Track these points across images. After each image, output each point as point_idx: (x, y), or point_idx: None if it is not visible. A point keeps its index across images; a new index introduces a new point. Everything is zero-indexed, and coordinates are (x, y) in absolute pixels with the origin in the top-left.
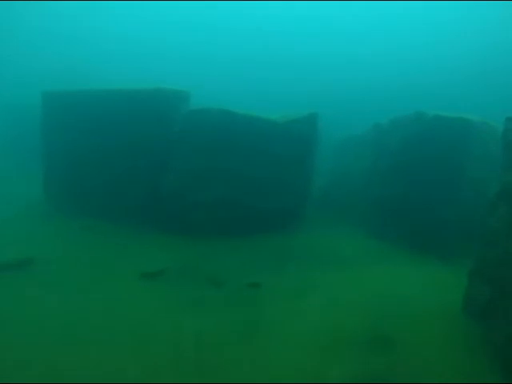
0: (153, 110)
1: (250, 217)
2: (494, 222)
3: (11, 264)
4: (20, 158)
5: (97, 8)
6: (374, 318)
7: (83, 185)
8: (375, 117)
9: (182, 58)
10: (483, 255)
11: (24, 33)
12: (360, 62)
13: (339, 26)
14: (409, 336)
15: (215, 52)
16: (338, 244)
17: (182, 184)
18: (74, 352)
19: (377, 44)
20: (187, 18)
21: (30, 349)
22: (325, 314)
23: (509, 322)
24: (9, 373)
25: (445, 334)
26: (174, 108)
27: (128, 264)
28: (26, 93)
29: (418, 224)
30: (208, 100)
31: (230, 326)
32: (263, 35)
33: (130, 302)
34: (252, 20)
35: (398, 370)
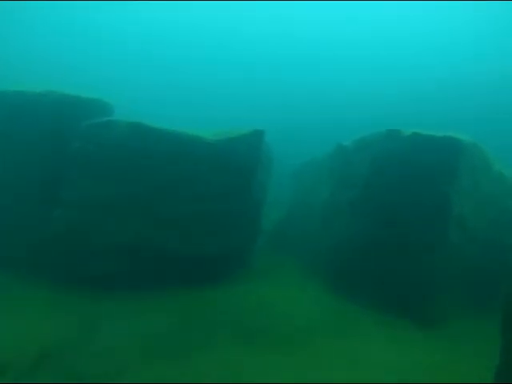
0: (44, 120)
1: (170, 265)
2: None
3: None
4: None
5: None
6: None
7: None
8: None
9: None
10: None
11: None
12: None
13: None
14: None
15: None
16: (286, 306)
17: (74, 221)
18: None
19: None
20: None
21: None
22: None
23: None
24: None
25: None
26: (71, 120)
27: None
28: None
29: (391, 276)
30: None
31: None
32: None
33: None
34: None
35: None
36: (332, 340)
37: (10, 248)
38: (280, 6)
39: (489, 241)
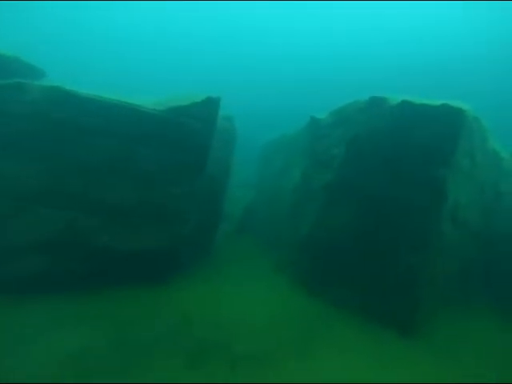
0: None
1: (107, 263)
2: None
3: None
4: None
5: None
6: None
7: None
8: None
9: None
10: None
11: None
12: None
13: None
14: None
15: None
16: (248, 311)
17: None
18: None
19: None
20: None
21: None
22: None
23: None
24: None
25: None
26: None
27: None
28: None
29: (372, 275)
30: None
31: None
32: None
33: None
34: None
35: None
36: (302, 360)
37: None
38: None
39: (481, 229)
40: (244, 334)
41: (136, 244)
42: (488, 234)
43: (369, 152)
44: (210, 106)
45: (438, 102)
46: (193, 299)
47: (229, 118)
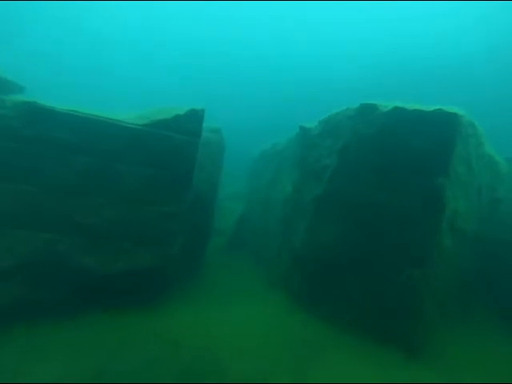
0: None
1: (88, 287)
2: None
3: None
4: None
5: None
6: None
7: None
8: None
9: None
10: None
11: None
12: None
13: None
14: None
15: None
16: (236, 329)
17: None
18: None
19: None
20: None
21: None
22: None
23: None
24: None
25: None
26: None
27: None
28: None
29: (370, 293)
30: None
31: None
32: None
33: None
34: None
35: None
36: (297, 382)
37: None
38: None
39: (478, 237)
40: (235, 357)
41: (121, 266)
42: (486, 242)
43: (360, 162)
44: (194, 118)
45: (432, 108)
46: (182, 322)
47: (216, 130)
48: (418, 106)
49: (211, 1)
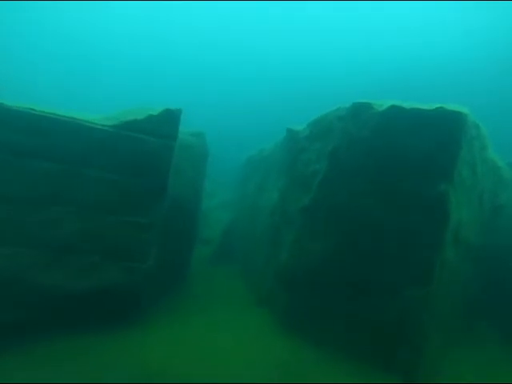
0: None
1: (53, 305)
2: None
3: None
4: None
5: None
6: None
7: None
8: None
9: None
10: None
11: None
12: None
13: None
14: None
15: None
16: (218, 354)
17: None
18: None
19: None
20: None
21: None
22: None
23: None
24: None
25: None
26: None
27: None
28: None
29: (363, 313)
30: None
31: None
32: None
33: None
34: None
35: None
36: None
37: None
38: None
39: (481, 246)
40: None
41: (88, 282)
42: (488, 251)
43: (353, 167)
44: (170, 119)
45: (433, 106)
46: (156, 346)
47: (198, 134)
48: (417, 105)
49: (197, 1)
